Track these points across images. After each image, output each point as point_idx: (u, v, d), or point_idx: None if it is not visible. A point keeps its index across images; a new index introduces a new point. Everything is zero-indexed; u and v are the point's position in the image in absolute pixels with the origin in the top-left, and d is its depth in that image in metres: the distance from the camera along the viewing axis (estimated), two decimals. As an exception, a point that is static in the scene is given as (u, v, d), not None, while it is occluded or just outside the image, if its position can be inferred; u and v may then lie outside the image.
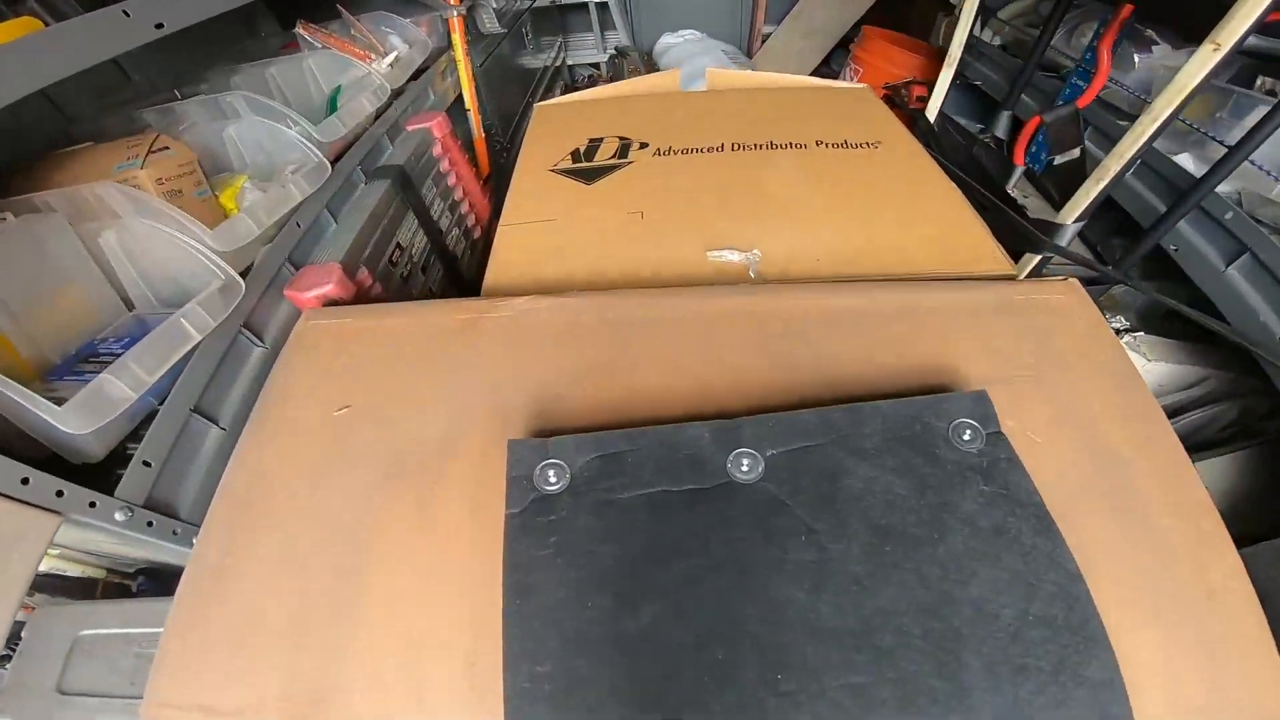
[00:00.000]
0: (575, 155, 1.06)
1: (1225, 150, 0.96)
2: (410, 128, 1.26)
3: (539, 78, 2.75)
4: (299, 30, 1.07)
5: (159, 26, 0.63)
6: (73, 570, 1.10)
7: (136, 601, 1.01)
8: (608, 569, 0.45)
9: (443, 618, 0.48)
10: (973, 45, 1.72)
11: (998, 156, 1.30)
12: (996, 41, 1.77)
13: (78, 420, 0.53)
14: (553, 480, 0.49)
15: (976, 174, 1.22)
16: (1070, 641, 0.42)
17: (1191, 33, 0.87)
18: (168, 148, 0.69)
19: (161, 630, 0.86)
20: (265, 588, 0.50)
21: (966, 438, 0.50)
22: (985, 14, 1.78)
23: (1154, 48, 1.28)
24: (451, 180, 1.43)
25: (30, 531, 0.56)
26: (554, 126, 1.17)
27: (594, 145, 1.09)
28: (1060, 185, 1.07)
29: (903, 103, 1.78)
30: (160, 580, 1.12)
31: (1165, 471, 0.54)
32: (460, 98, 1.64)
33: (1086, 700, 0.40)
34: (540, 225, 0.92)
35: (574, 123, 1.17)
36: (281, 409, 0.65)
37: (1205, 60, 0.86)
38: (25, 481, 0.54)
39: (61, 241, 0.61)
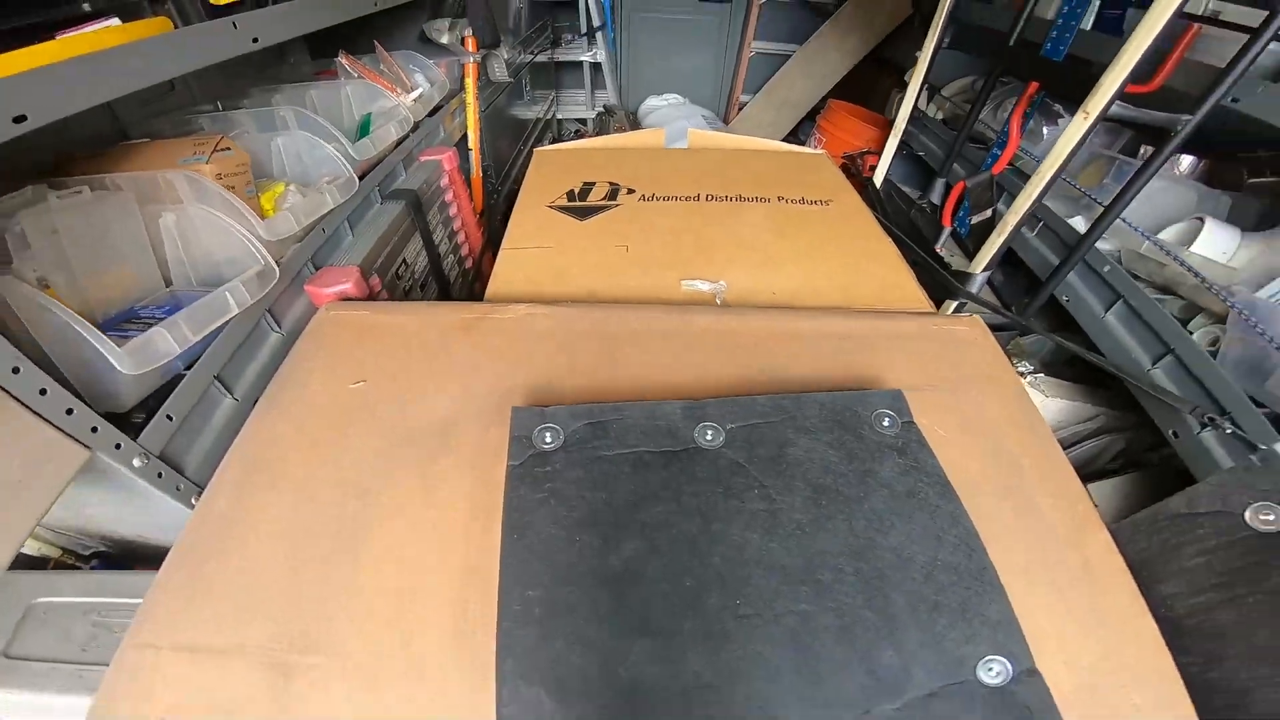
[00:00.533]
0: (570, 195, 1.17)
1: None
2: (423, 159, 1.36)
3: (531, 128, 2.91)
4: (341, 60, 1.17)
5: (255, 40, 0.72)
6: (29, 546, 1.07)
7: (98, 573, 0.97)
8: (594, 512, 0.53)
9: (436, 569, 0.51)
10: (919, 119, 1.94)
11: (931, 219, 1.48)
12: (939, 116, 2.00)
13: (132, 361, 0.59)
14: (549, 440, 0.57)
15: (912, 234, 1.39)
16: (972, 585, 0.49)
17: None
18: (229, 149, 0.77)
19: (121, 600, 0.87)
20: (266, 539, 0.53)
21: (886, 424, 0.60)
22: (932, 91, 2.02)
23: (1059, 120, 1.48)
24: (453, 211, 1.53)
25: (62, 457, 0.60)
26: (552, 169, 1.28)
27: (587, 188, 1.20)
28: (978, 244, 1.24)
29: (858, 171, 1.98)
30: (116, 565, 1.09)
31: (1047, 466, 0.65)
32: (464, 137, 1.76)
33: (990, 637, 0.46)
34: (538, 250, 1.01)
35: (570, 167, 1.28)
36: (299, 382, 0.71)
37: (1079, 127, 1.04)
38: (69, 412, 0.59)
39: (126, 217, 0.68)
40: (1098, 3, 1.22)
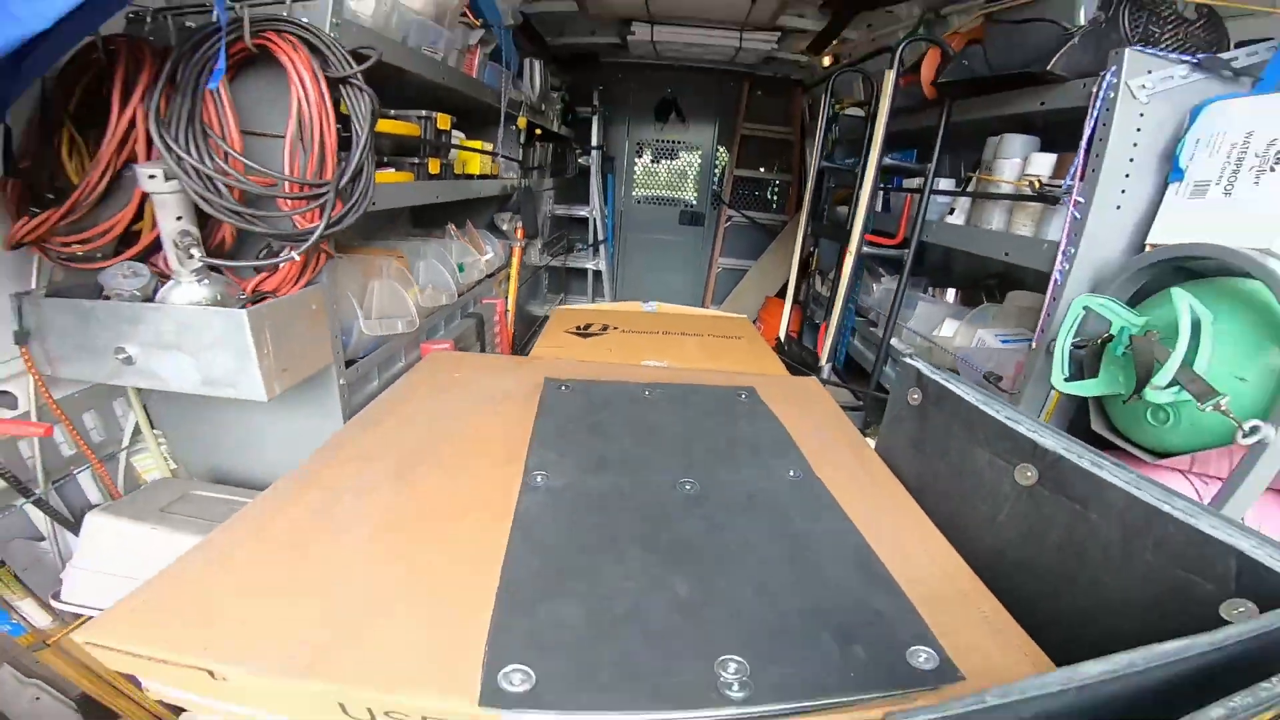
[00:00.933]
0: (578, 328, 1.85)
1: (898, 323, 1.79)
2: (485, 302, 2.09)
3: (540, 323, 3.76)
4: (450, 228, 1.96)
5: (437, 196, 1.44)
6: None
7: (236, 487, 1.36)
8: (582, 408, 1.08)
9: (493, 439, 0.95)
10: (818, 298, 2.79)
11: (814, 355, 2.18)
12: (826, 293, 2.83)
13: (367, 326, 1.18)
14: (564, 389, 1.15)
15: (801, 363, 2.09)
16: (784, 448, 0.95)
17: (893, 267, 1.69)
18: (403, 257, 1.46)
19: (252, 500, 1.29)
20: (392, 429, 0.97)
21: (744, 398, 1.18)
22: (823, 275, 2.90)
23: (882, 279, 2.25)
24: (498, 341, 2.22)
25: (324, 354, 1.15)
26: (567, 316, 1.99)
27: (588, 325, 1.88)
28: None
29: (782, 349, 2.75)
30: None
31: (842, 430, 1.18)
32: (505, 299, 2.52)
33: (793, 463, 0.89)
34: (558, 349, 1.66)
35: (578, 316, 2.00)
36: (418, 374, 1.29)
37: (846, 263, 1.75)
38: (335, 337, 1.16)
39: (355, 278, 1.33)
40: (882, 193, 2.07)
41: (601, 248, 4.09)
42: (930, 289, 2.04)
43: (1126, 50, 1.01)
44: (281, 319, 1.02)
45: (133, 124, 0.95)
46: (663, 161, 4.62)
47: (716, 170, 4.52)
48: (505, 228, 2.33)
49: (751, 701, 0.50)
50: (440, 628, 0.59)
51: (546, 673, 0.53)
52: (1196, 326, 0.83)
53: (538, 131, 2.76)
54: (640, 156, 4.62)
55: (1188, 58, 1.00)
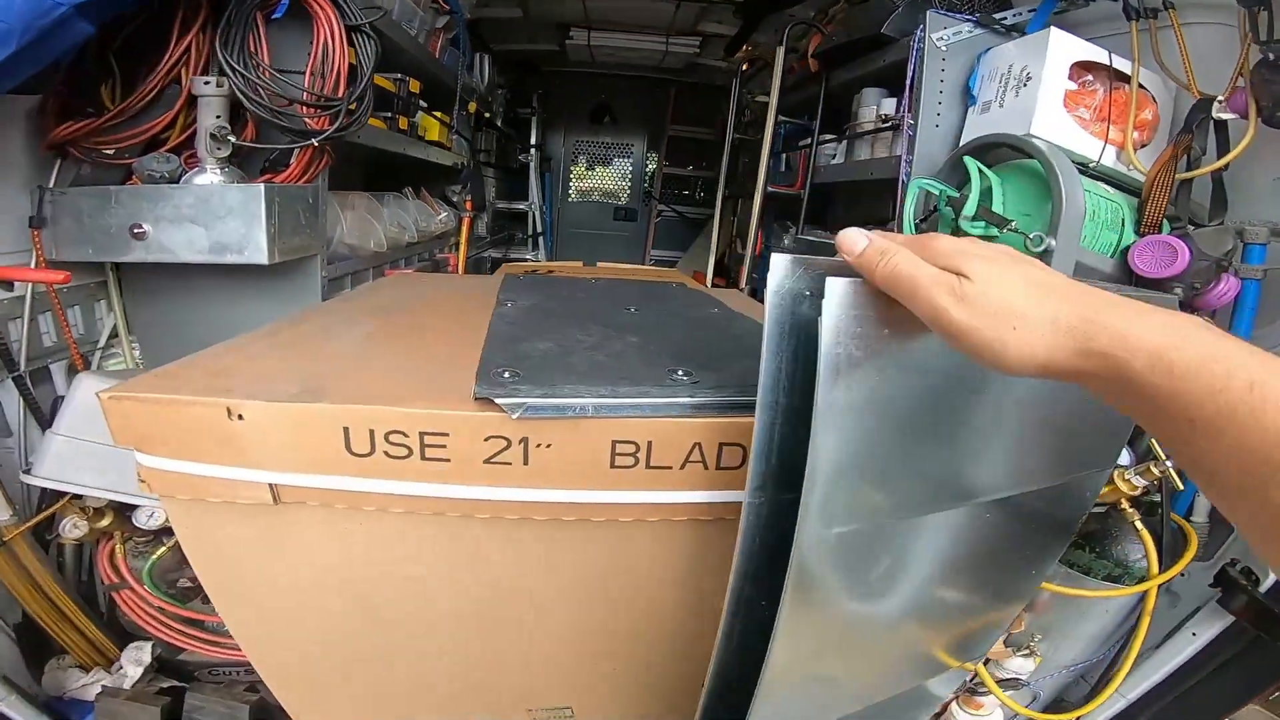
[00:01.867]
0: (524, 274, 2.15)
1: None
2: (439, 256, 2.34)
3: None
4: (408, 190, 2.21)
5: (403, 148, 1.71)
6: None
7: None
8: (542, 284, 1.38)
9: (461, 300, 1.32)
10: (740, 257, 3.21)
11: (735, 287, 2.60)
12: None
13: (348, 236, 1.44)
14: (522, 278, 1.43)
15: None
16: (710, 301, 1.36)
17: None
18: (372, 198, 1.71)
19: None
20: (363, 298, 1.34)
21: (675, 287, 1.50)
22: (742, 239, 3.32)
23: (790, 229, 2.69)
24: (445, 295, 2.47)
25: (315, 252, 1.38)
26: (514, 268, 2.29)
27: (534, 271, 2.19)
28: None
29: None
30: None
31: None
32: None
33: (713, 304, 1.32)
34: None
35: (525, 267, 2.30)
36: (387, 280, 1.55)
37: (756, 200, 2.17)
38: (324, 230, 1.40)
39: (334, 207, 1.59)
40: (784, 155, 2.49)
41: (540, 240, 4.38)
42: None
43: (929, 13, 1.43)
44: (286, 200, 1.27)
45: (185, 50, 1.23)
46: (597, 167, 5.01)
47: (648, 170, 4.94)
48: (456, 199, 2.60)
49: (700, 388, 0.67)
50: (436, 367, 0.73)
51: (530, 369, 0.67)
52: (981, 174, 1.24)
53: (486, 115, 3.07)
54: (576, 164, 4.99)
55: (970, 17, 1.43)
